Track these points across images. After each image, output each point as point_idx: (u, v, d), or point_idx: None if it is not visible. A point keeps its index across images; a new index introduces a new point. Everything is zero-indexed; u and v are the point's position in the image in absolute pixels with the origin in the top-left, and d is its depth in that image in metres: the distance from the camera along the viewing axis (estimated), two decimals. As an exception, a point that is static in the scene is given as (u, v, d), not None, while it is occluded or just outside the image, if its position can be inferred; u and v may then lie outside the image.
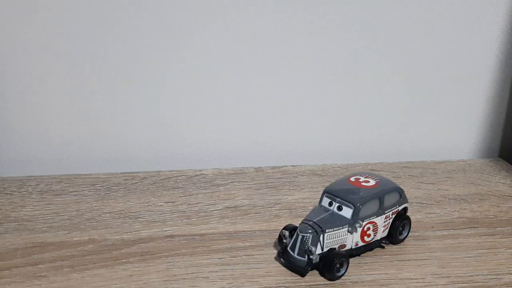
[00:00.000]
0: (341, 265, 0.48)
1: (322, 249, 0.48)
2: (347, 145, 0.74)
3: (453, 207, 0.61)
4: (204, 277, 0.48)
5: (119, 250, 0.51)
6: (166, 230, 0.55)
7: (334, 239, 0.48)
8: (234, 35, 0.67)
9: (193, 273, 0.48)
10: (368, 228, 0.50)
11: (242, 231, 0.55)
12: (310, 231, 0.47)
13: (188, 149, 0.71)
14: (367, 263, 0.50)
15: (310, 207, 0.59)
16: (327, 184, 0.53)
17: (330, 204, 0.50)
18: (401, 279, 0.48)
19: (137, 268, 0.49)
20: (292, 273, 0.48)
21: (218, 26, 0.67)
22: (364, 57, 0.71)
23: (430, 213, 0.60)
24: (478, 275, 0.49)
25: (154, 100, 0.69)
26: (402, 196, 0.53)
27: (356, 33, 0.69)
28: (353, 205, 0.49)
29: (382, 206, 0.51)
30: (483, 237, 0.55)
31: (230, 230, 0.55)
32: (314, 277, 0.48)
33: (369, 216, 0.50)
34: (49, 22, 0.64)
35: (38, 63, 0.65)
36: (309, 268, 0.48)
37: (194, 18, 0.66)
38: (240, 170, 0.68)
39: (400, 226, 0.53)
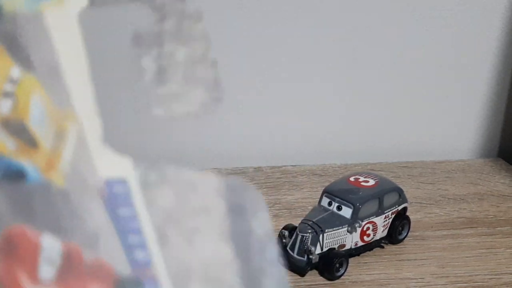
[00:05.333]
0: (341, 265, 0.48)
1: (322, 249, 0.48)
2: (347, 145, 0.74)
3: (452, 207, 0.61)
4: (203, 277, 0.48)
5: (118, 250, 0.51)
6: (165, 230, 0.55)
7: (334, 239, 0.48)
8: (232, 35, 0.67)
9: (192, 273, 0.48)
10: (368, 228, 0.50)
11: (241, 231, 0.55)
12: (309, 231, 0.47)
13: (188, 149, 0.71)
14: (366, 263, 0.50)
15: (309, 207, 0.59)
16: (327, 184, 0.53)
17: (330, 204, 0.50)
18: (401, 279, 0.48)
19: (136, 268, 0.49)
20: (292, 273, 0.48)
21: (215, 24, 0.67)
22: (364, 57, 0.71)
23: (429, 213, 0.60)
24: (477, 275, 0.49)
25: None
26: (401, 196, 0.53)
27: (356, 33, 0.69)
28: (352, 205, 0.49)
29: (382, 206, 0.51)
30: (482, 237, 0.55)
31: (229, 230, 0.55)
32: (313, 277, 0.48)
33: (368, 216, 0.50)
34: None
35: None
36: (309, 268, 0.48)
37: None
38: (240, 170, 0.68)
39: (399, 226, 0.53)
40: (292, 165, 0.70)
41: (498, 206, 0.61)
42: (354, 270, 0.49)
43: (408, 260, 0.51)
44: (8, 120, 0.23)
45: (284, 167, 0.70)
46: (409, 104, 0.74)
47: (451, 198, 0.63)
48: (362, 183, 0.51)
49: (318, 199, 0.51)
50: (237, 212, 0.25)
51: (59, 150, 0.24)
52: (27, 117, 0.24)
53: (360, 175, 0.52)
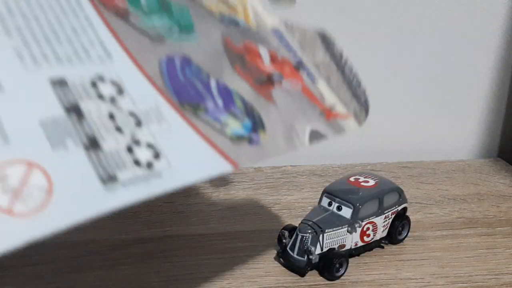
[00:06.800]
0: (341, 265, 0.48)
1: (322, 249, 0.48)
2: (347, 145, 0.74)
3: (452, 207, 0.61)
4: (204, 277, 0.48)
5: (119, 250, 0.51)
6: (166, 230, 0.55)
7: (334, 239, 0.48)
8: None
9: (193, 273, 0.48)
10: (368, 228, 0.50)
11: (241, 231, 0.55)
12: (309, 231, 0.48)
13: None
14: (366, 263, 0.50)
15: (309, 207, 0.59)
16: (327, 184, 0.53)
17: (330, 204, 0.50)
18: (401, 279, 0.48)
19: (137, 268, 0.49)
20: (292, 273, 0.48)
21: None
22: (363, 57, 0.71)
23: (429, 213, 0.60)
24: (477, 275, 0.49)
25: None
26: (401, 196, 0.53)
27: (356, 33, 0.69)
28: (352, 205, 0.49)
29: (382, 206, 0.51)
30: (482, 237, 0.55)
31: (229, 230, 0.55)
32: (313, 277, 0.48)
33: (368, 216, 0.50)
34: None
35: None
36: (309, 268, 0.48)
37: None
38: (239, 170, 0.69)
39: (399, 226, 0.53)
40: (292, 165, 0.70)
41: (498, 206, 0.61)
42: (354, 270, 0.49)
43: (408, 260, 0.51)
44: None
45: (284, 167, 0.70)
46: (409, 104, 0.74)
47: (451, 198, 0.63)
48: (362, 183, 0.51)
49: (318, 199, 0.51)
50: None
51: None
52: None
53: (360, 175, 0.53)
